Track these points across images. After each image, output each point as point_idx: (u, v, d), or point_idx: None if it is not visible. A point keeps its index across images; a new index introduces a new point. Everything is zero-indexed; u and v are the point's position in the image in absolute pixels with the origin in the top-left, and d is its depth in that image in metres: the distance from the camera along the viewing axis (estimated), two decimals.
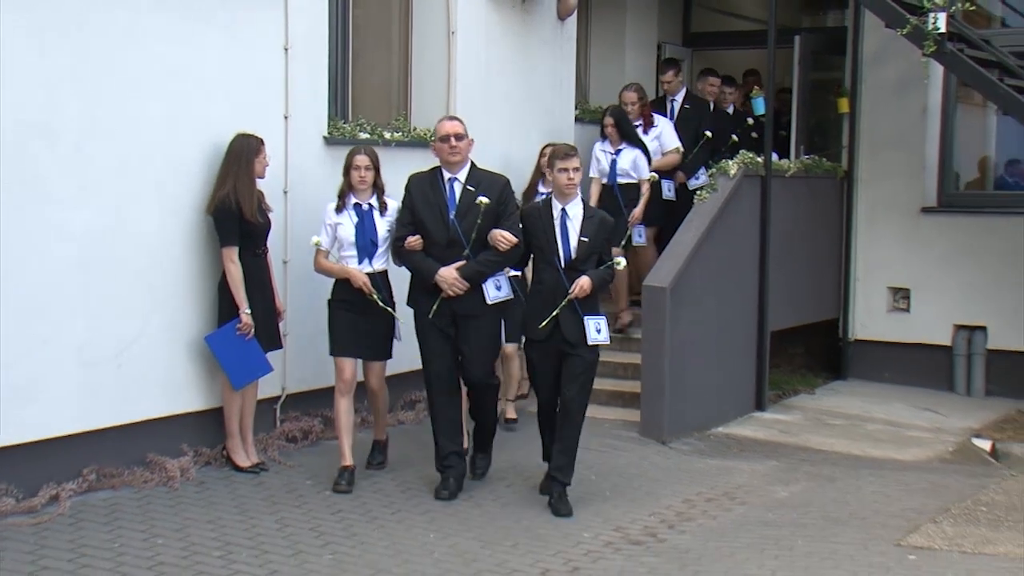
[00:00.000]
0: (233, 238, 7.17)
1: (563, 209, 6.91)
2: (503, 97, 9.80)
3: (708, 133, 10.68)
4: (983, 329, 11.04)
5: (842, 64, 11.83)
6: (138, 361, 7.05)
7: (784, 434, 9.44)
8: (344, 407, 7.22)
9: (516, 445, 8.25)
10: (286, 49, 7.88)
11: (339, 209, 7.23)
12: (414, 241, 7.01)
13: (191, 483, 7.06)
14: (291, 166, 7.90)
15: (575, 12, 10.57)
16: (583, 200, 7.04)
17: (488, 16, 9.64)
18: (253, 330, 7.23)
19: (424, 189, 7.08)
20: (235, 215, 7.15)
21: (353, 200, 7.22)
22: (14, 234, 6.38)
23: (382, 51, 9.45)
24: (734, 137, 10.87)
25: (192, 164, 7.29)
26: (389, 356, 7.35)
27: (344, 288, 7.19)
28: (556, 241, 6.88)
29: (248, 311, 7.20)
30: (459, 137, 7.02)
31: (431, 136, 7.78)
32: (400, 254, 7.13)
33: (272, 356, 7.48)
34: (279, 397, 7.95)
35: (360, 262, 7.18)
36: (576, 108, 10.92)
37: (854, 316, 11.67)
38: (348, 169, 7.23)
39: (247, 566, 5.84)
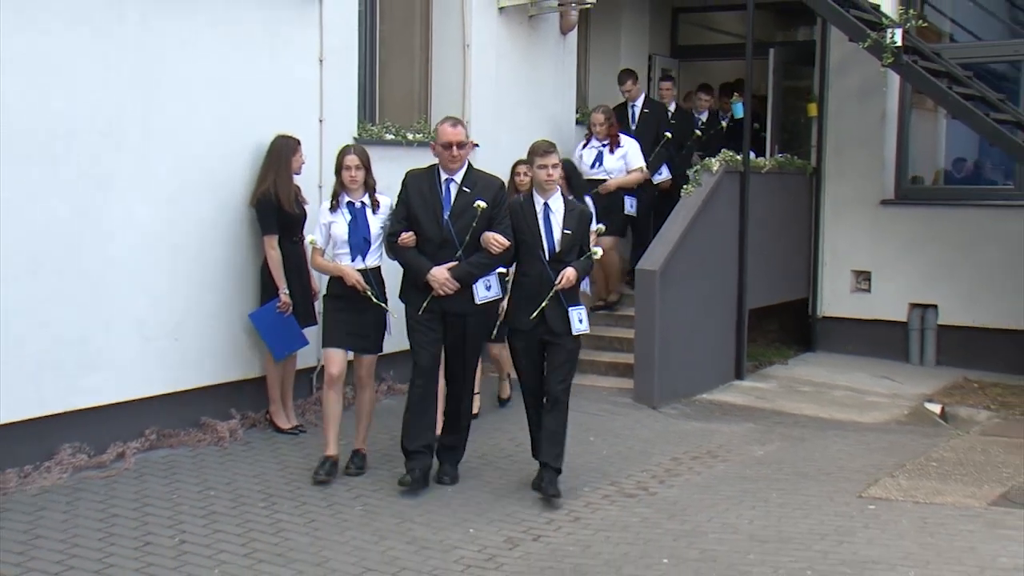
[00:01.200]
0: (273, 227, 7.20)
1: (545, 203, 6.42)
2: (512, 103, 9.78)
3: (668, 134, 10.65)
4: (935, 307, 11.02)
5: (811, 73, 11.78)
6: (192, 335, 7.10)
7: (760, 400, 9.45)
8: (332, 398, 6.60)
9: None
10: (321, 60, 7.90)
11: (333, 208, 6.63)
12: (407, 238, 6.38)
13: (239, 443, 7.12)
14: (325, 164, 7.87)
15: (576, 28, 10.57)
16: (562, 194, 6.58)
17: (499, 31, 9.63)
18: (291, 308, 7.26)
19: (421, 187, 6.42)
20: (275, 207, 7.18)
21: (346, 199, 6.61)
22: (85, 225, 6.44)
23: (405, 62, 9.44)
24: (697, 132, 10.97)
25: (238, 162, 7.32)
26: (380, 350, 6.74)
27: (338, 284, 6.62)
28: (540, 234, 6.39)
29: (287, 291, 7.23)
30: (461, 145, 6.36)
31: (432, 136, 6.96)
32: (394, 249, 6.51)
33: (308, 331, 7.50)
34: (315, 367, 7.97)
35: (353, 259, 6.58)
36: (576, 112, 10.91)
37: (822, 296, 11.64)
38: (339, 169, 6.61)
39: (288, 515, 5.89)
